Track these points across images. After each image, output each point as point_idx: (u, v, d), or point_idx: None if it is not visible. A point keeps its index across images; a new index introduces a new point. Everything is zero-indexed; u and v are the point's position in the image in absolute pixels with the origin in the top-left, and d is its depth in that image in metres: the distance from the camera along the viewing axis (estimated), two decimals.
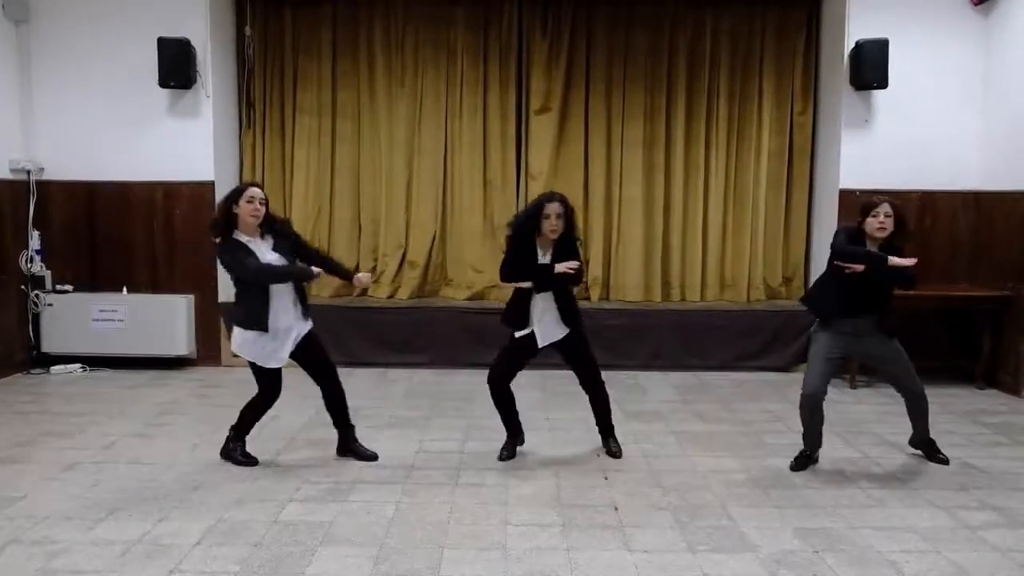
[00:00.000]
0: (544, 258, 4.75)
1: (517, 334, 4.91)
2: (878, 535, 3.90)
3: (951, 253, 7.32)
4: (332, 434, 5.18)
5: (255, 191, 4.57)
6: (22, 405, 6.21)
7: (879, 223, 4.54)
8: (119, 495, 4.34)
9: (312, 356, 4.85)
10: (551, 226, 4.65)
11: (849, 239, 4.65)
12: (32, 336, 7.34)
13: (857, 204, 7.18)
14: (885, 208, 4.56)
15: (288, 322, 4.69)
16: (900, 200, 7.17)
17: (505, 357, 4.97)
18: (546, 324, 4.85)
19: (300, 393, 6.50)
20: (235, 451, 4.89)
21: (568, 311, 4.85)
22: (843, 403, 6.41)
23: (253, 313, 4.60)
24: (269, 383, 4.81)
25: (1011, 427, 5.77)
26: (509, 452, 5.00)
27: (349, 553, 3.68)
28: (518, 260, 4.77)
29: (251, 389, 6.73)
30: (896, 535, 3.90)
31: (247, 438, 4.93)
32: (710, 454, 5.10)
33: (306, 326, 4.79)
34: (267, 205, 4.64)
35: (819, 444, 4.90)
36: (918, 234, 7.27)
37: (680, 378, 7.18)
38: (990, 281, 7.00)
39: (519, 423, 5.10)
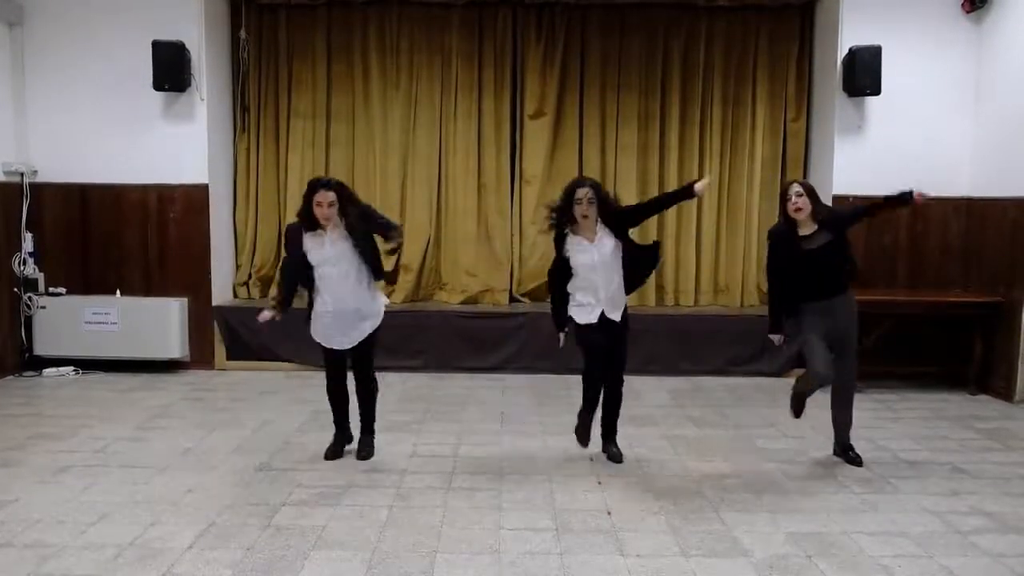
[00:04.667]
0: (593, 243, 4.76)
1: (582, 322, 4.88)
2: (870, 540, 3.91)
3: (943, 259, 7.35)
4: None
5: (319, 196, 4.65)
6: (14, 408, 6.19)
7: (793, 205, 4.72)
8: (111, 498, 4.33)
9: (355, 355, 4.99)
10: (582, 211, 4.70)
11: (779, 238, 4.84)
12: (24, 339, 7.31)
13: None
14: (795, 188, 4.77)
15: (346, 310, 4.82)
16: None
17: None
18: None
19: (293, 398, 6.52)
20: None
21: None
22: None
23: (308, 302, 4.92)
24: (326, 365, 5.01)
25: (1003, 432, 5.79)
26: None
27: (342, 557, 3.67)
28: (561, 257, 4.86)
29: (243, 393, 6.77)
30: (888, 540, 3.91)
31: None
32: (703, 459, 5.11)
33: (362, 328, 4.88)
34: (342, 199, 4.69)
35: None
36: (910, 240, 7.34)
37: (674, 383, 7.19)
38: (982, 287, 7.03)
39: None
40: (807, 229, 4.77)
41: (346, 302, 4.80)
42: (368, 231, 4.83)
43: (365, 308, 4.86)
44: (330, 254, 4.74)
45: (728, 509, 4.27)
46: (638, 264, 4.90)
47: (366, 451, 5.05)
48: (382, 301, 5.02)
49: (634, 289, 5.04)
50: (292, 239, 4.81)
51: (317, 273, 4.79)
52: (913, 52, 7.20)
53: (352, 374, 5.01)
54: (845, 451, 5.05)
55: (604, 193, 4.85)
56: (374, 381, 5.07)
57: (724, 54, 7.95)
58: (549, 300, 5.09)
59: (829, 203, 7.28)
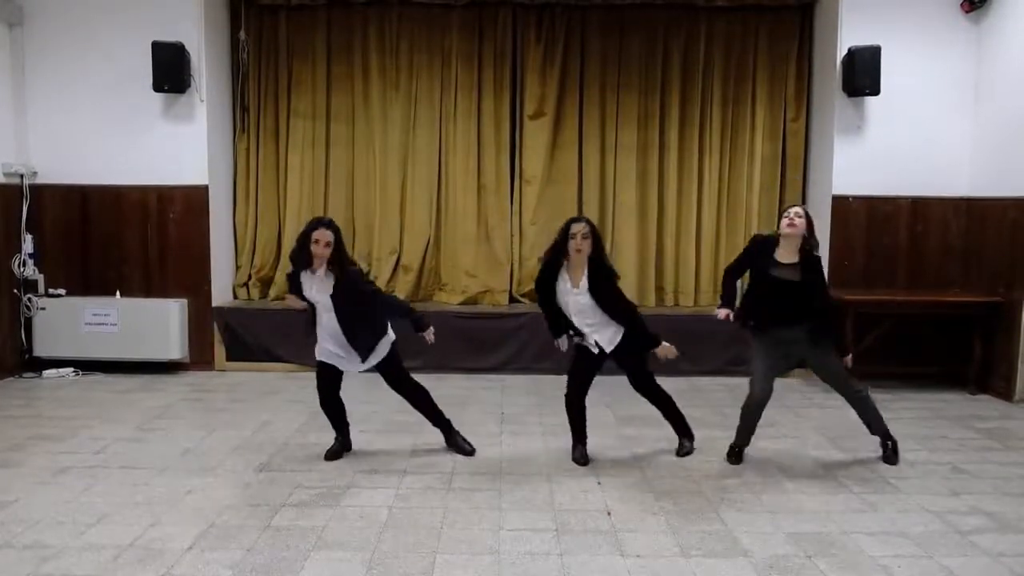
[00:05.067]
0: (576, 287, 4.80)
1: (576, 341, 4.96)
2: (870, 540, 3.91)
3: (943, 259, 7.35)
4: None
5: (319, 233, 4.67)
6: (14, 409, 6.19)
7: (788, 221, 4.75)
8: (111, 499, 4.33)
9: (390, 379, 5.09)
10: (576, 245, 4.74)
11: (760, 247, 4.87)
12: (24, 340, 7.31)
13: (847, 210, 7.35)
14: (795, 208, 4.82)
15: (341, 345, 4.88)
16: (892, 206, 7.34)
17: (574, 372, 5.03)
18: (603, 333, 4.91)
19: (293, 398, 6.52)
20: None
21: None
22: (836, 408, 6.41)
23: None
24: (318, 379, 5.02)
25: (1003, 432, 5.79)
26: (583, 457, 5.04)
27: (342, 558, 3.67)
28: (547, 290, 4.91)
29: (243, 394, 6.77)
30: (888, 540, 3.91)
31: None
32: (702, 459, 5.11)
33: (363, 365, 4.92)
34: (338, 246, 4.70)
35: (749, 440, 5.11)
36: (910, 240, 7.35)
37: (673, 383, 7.10)
38: (981, 287, 7.03)
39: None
40: (787, 257, 4.77)
41: (333, 343, 4.86)
42: (357, 298, 4.80)
43: (353, 357, 4.88)
44: (318, 300, 4.79)
45: (728, 509, 4.28)
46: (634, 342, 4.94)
47: (462, 449, 5.14)
48: (387, 340, 4.96)
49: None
50: (292, 277, 4.86)
51: (315, 312, 4.86)
52: (912, 52, 7.20)
53: (398, 394, 5.11)
54: (884, 443, 5.08)
55: (598, 233, 4.88)
56: (418, 388, 5.12)
57: (723, 54, 7.94)
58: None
59: (828, 204, 7.34)
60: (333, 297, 4.72)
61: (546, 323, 5.08)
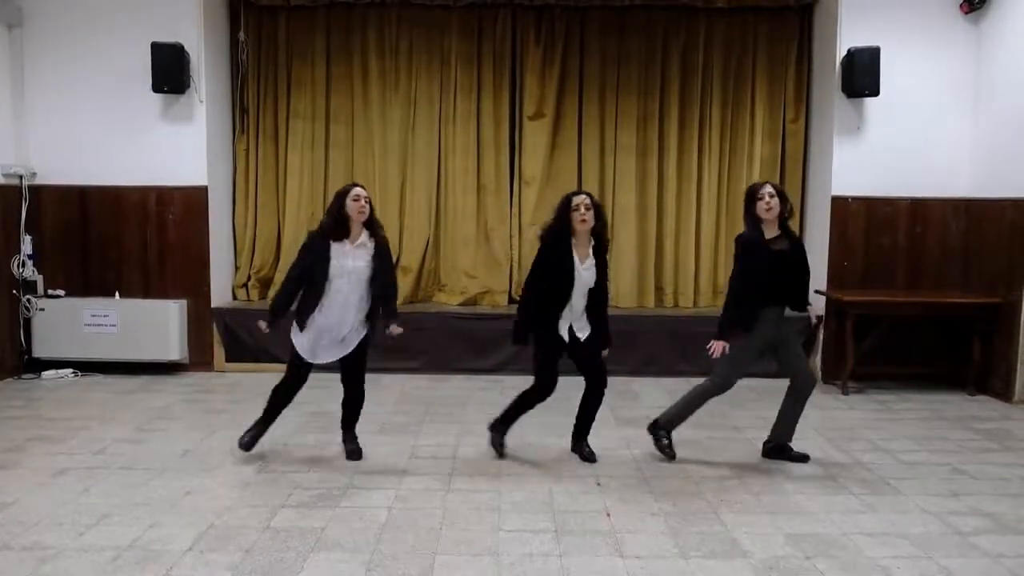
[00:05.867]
0: (582, 266, 4.75)
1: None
2: (869, 541, 3.91)
3: (942, 260, 7.35)
4: (325, 440, 5.18)
5: (358, 191, 4.72)
6: (13, 410, 6.18)
7: (765, 205, 4.72)
8: (110, 500, 4.33)
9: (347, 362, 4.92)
10: (580, 217, 4.68)
11: (752, 243, 4.81)
12: (23, 341, 7.30)
13: (846, 210, 7.34)
14: (768, 189, 4.77)
15: (332, 328, 4.76)
16: (891, 207, 7.34)
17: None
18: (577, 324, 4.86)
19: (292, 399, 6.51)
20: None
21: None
22: (835, 409, 6.43)
23: (301, 308, 4.77)
24: (292, 370, 4.91)
25: (1002, 433, 5.79)
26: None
27: (341, 559, 3.67)
28: (553, 271, 4.75)
29: (242, 395, 6.76)
30: (887, 541, 3.92)
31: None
32: (702, 460, 5.11)
33: (357, 337, 4.84)
34: (371, 208, 4.74)
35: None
36: (909, 241, 7.35)
37: (672, 384, 7.18)
38: (980, 288, 7.03)
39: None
40: (770, 232, 4.80)
41: (336, 321, 4.75)
42: (384, 269, 4.80)
43: (350, 336, 4.81)
44: (350, 267, 4.69)
45: (727, 510, 4.28)
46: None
47: (356, 453, 5.03)
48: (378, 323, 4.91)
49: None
50: (317, 246, 4.70)
51: (329, 286, 4.69)
52: (912, 53, 7.20)
53: (343, 385, 4.97)
54: (786, 451, 5.07)
55: (599, 203, 4.85)
56: (363, 394, 5.04)
57: (723, 55, 7.95)
58: (521, 310, 4.96)
59: (827, 205, 7.35)
60: (373, 264, 4.69)
61: (523, 319, 4.86)
